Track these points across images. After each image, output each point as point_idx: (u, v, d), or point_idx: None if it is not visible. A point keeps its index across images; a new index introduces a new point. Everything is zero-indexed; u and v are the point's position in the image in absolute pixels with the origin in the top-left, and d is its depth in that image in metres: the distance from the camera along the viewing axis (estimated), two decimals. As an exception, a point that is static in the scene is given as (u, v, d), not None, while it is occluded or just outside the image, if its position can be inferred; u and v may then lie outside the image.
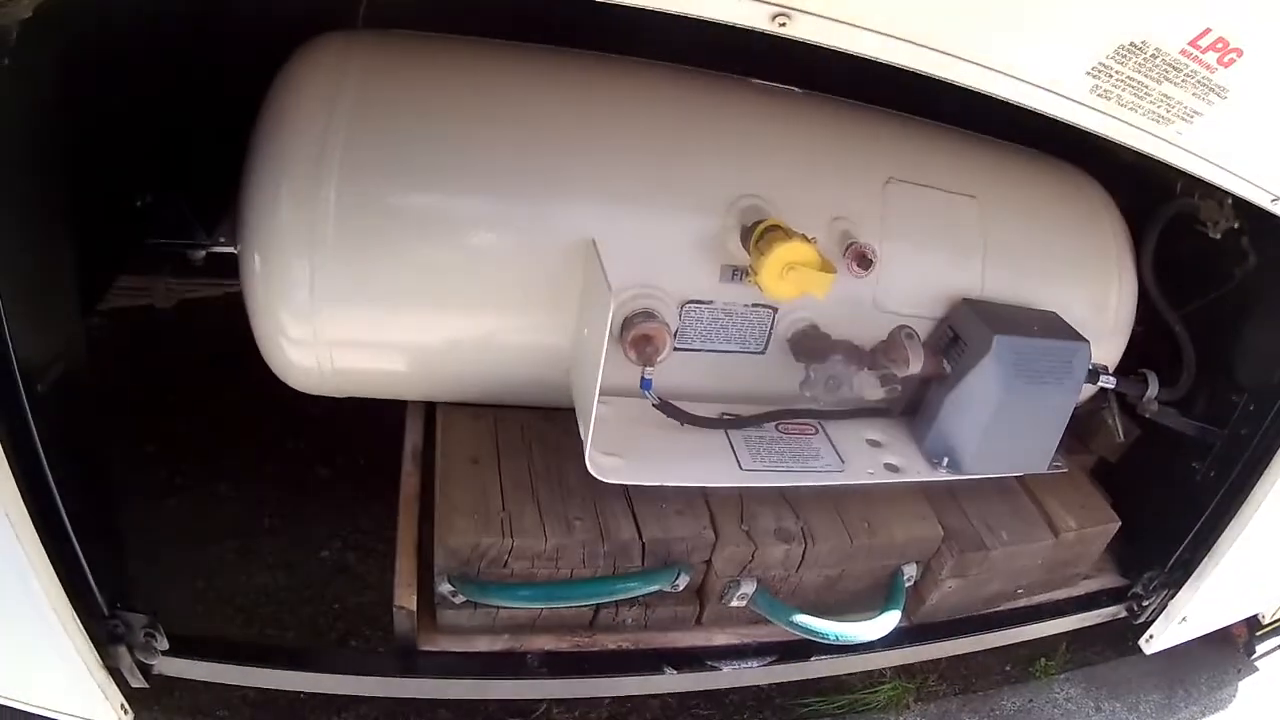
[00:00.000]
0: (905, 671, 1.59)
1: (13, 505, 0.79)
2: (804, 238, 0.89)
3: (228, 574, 1.25)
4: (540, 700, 1.19)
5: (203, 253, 1.03)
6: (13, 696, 1.04)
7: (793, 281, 0.89)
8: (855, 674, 1.55)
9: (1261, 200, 0.96)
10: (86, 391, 0.92)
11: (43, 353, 0.82)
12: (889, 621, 1.09)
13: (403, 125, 0.92)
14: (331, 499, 1.34)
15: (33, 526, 0.82)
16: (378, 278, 0.94)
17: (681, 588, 1.04)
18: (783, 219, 0.94)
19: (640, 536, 0.99)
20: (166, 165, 1.12)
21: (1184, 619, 1.43)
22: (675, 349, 1.00)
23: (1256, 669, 1.90)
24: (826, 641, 1.05)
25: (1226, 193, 0.98)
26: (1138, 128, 0.85)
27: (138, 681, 1.00)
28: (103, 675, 0.96)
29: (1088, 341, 1.11)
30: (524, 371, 1.02)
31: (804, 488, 1.07)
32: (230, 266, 1.00)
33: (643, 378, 0.94)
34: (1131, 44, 0.78)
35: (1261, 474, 1.26)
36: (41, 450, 0.81)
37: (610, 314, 0.81)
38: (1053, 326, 1.12)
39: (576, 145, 0.95)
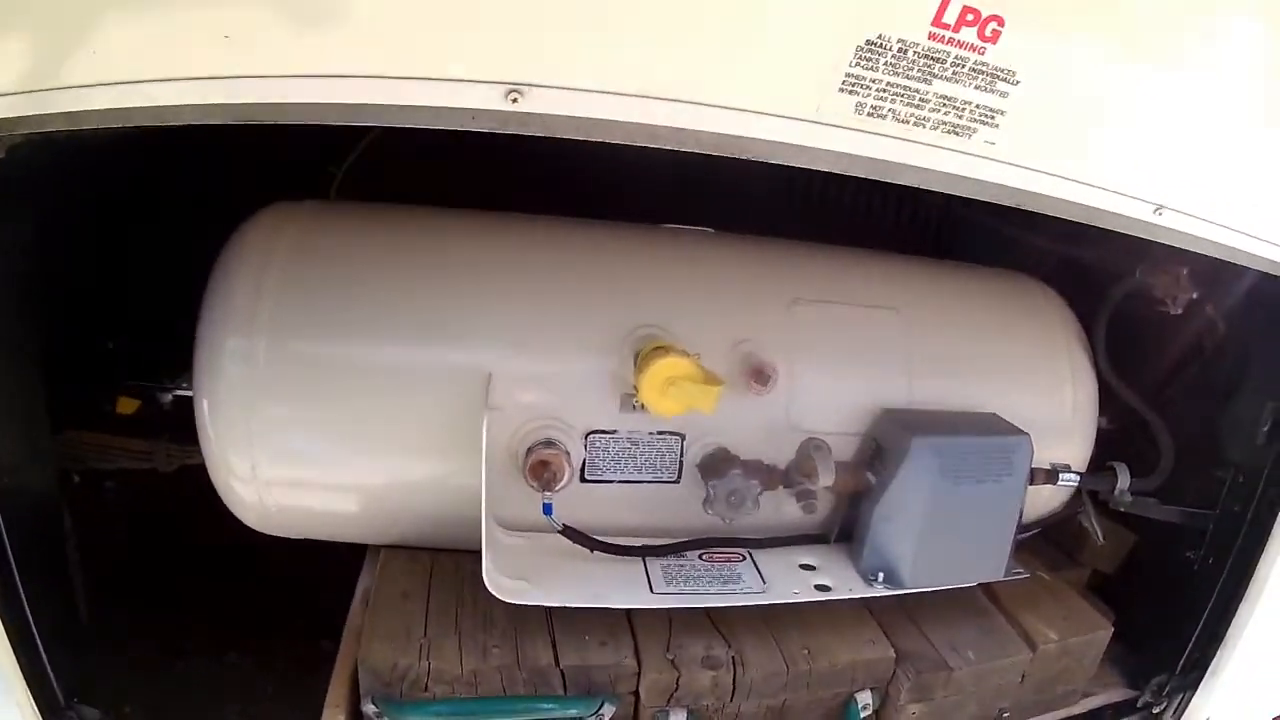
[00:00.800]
0: None
1: None
2: (684, 353, 0.94)
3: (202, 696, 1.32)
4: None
5: (170, 396, 1.16)
6: None
7: (676, 397, 0.93)
8: None
9: (1142, 213, 0.87)
10: (53, 504, 1.04)
11: (10, 464, 0.94)
12: None
13: (321, 288, 1.04)
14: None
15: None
16: (303, 422, 1.05)
17: (608, 717, 1.03)
18: (677, 344, 1.00)
19: (558, 664, 1.01)
20: (136, 315, 1.28)
21: (1206, 720, 1.30)
22: (586, 479, 1.06)
23: None
24: (764, 779, 1.02)
25: (1110, 225, 0.87)
26: (939, 146, 0.76)
27: None
28: None
29: (1027, 435, 1.09)
30: (447, 511, 1.09)
31: (740, 617, 1.07)
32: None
33: (544, 504, 0.98)
34: (868, 42, 0.69)
35: (1263, 550, 1.19)
36: (12, 555, 0.91)
37: (485, 427, 0.88)
38: (987, 426, 1.11)
39: (477, 293, 1.05)
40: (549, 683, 1.02)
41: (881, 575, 1.09)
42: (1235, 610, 1.22)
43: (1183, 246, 0.92)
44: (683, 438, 1.06)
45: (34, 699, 0.98)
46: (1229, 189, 0.89)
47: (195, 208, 1.22)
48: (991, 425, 1.12)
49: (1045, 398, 1.23)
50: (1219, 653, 1.25)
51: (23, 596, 0.96)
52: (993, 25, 0.69)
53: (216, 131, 0.72)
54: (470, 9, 0.67)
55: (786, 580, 1.07)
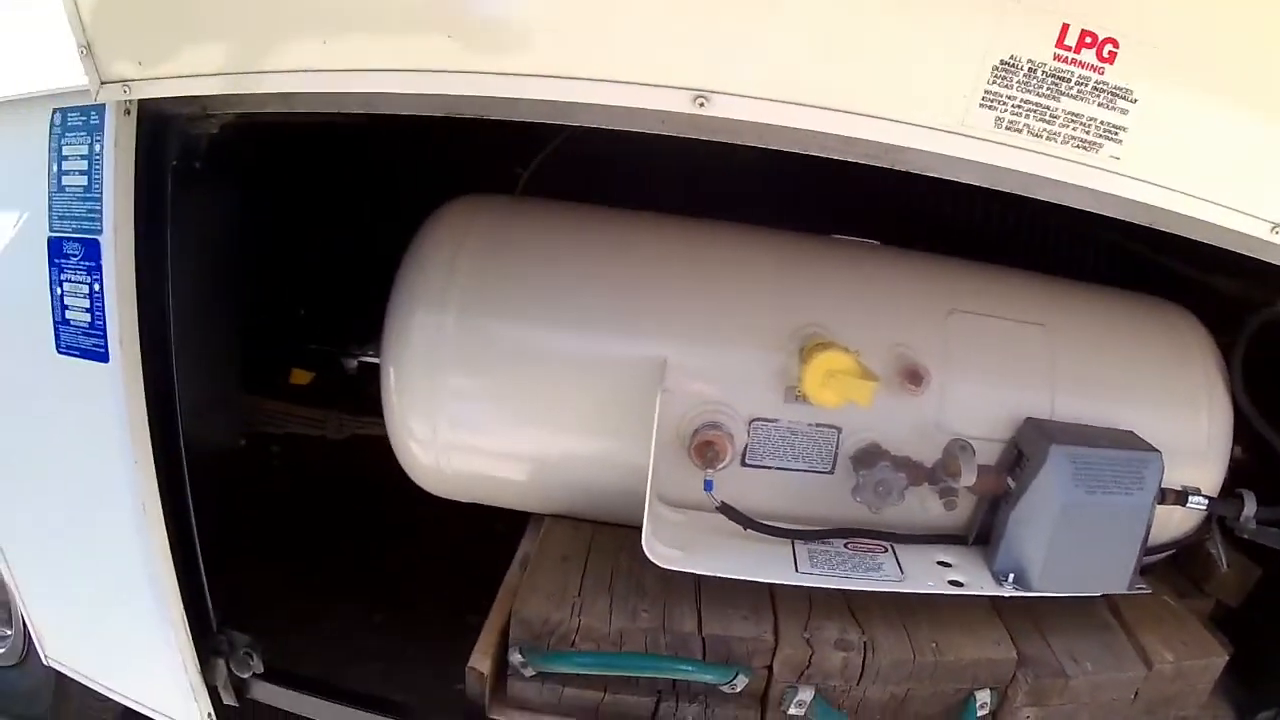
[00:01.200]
0: None
1: (152, 515, 1.06)
2: (845, 349, 1.03)
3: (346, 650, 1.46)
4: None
5: (355, 362, 1.30)
6: (113, 687, 1.29)
7: (835, 389, 1.02)
8: None
9: (1260, 231, 0.91)
10: (233, 453, 1.18)
11: (203, 415, 1.09)
12: None
13: (509, 273, 1.17)
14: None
15: (164, 525, 1.07)
16: (485, 395, 1.17)
17: (740, 689, 1.13)
18: (839, 341, 1.09)
19: (700, 632, 1.11)
20: (328, 286, 1.42)
21: (1308, 759, 1.33)
22: (747, 464, 1.15)
23: None
24: (888, 760, 1.10)
25: (1227, 243, 0.91)
26: (1069, 160, 0.83)
27: (230, 699, 1.21)
28: (198, 683, 1.17)
29: (1159, 452, 1.15)
30: (612, 485, 1.20)
31: (875, 606, 1.16)
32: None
33: (706, 480, 1.08)
34: (1002, 62, 0.78)
35: None
36: (189, 486, 1.07)
37: (658, 404, 1.00)
38: (1123, 441, 1.17)
39: (656, 286, 1.17)
40: (690, 648, 1.11)
41: (1012, 577, 1.16)
42: None
43: None
44: (839, 430, 1.14)
45: (188, 620, 1.14)
46: None
47: (385, 197, 1.36)
48: (1127, 441, 1.18)
49: (1180, 421, 1.28)
50: None
51: (194, 526, 1.11)
52: (1109, 47, 0.77)
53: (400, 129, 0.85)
54: (664, 21, 0.78)
55: (923, 573, 1.14)
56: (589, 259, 1.18)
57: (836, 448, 1.15)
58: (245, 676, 1.21)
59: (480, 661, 1.12)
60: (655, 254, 1.19)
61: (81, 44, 0.90)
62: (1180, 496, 1.25)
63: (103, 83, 0.93)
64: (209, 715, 1.22)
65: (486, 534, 1.37)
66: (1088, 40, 0.77)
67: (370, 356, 1.28)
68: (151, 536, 1.09)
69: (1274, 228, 0.92)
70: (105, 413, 1.06)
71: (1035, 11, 0.76)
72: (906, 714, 1.17)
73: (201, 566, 1.14)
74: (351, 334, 1.30)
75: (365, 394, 1.32)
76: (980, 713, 1.18)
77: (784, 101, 0.81)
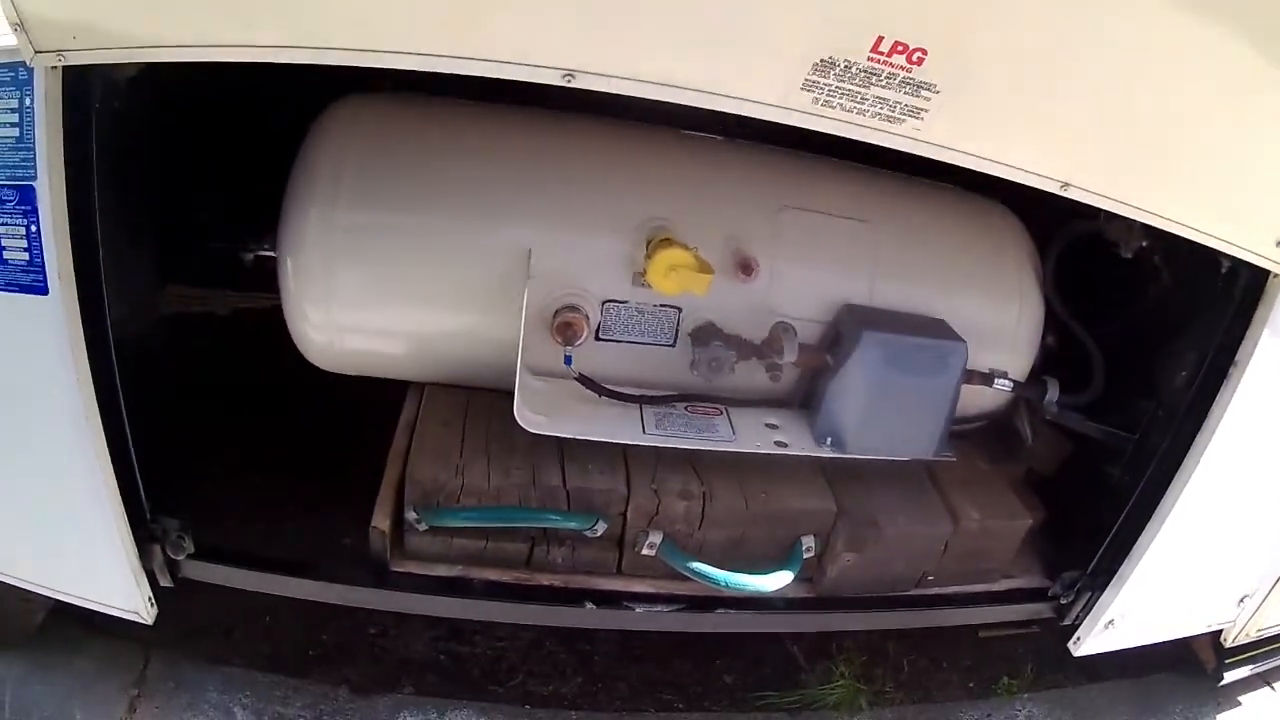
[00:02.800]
0: (863, 676, 1.90)
1: (92, 425, 1.27)
2: (684, 246, 1.30)
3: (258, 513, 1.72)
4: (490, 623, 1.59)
5: (252, 256, 1.54)
6: (52, 586, 1.50)
7: (675, 280, 1.29)
8: (810, 673, 1.87)
9: (1052, 188, 1.21)
10: (156, 345, 1.41)
11: (127, 310, 1.31)
12: (780, 579, 1.43)
13: (391, 169, 1.39)
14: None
15: (104, 437, 1.28)
16: (373, 279, 1.41)
17: (600, 534, 1.42)
18: (681, 237, 1.36)
19: (565, 485, 1.39)
20: (231, 191, 1.65)
21: (1110, 623, 1.67)
22: (600, 339, 1.42)
23: (1239, 703, 2.08)
24: (719, 588, 1.40)
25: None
26: (874, 128, 1.10)
27: (165, 580, 1.45)
28: (138, 569, 1.40)
29: (964, 342, 1.45)
30: (485, 356, 1.45)
31: (714, 461, 1.45)
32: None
33: (565, 356, 1.36)
34: (822, 60, 1.03)
35: (1173, 479, 1.53)
36: (120, 385, 1.28)
37: (525, 293, 1.25)
38: (934, 329, 1.47)
39: (522, 180, 1.41)
40: (556, 500, 1.40)
41: (830, 440, 1.45)
42: (1143, 529, 1.55)
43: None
44: (680, 311, 1.42)
45: (127, 514, 1.36)
46: (1131, 171, 1.23)
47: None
48: (936, 329, 1.47)
49: (994, 310, 1.58)
50: (1125, 563, 1.59)
51: (127, 429, 1.32)
52: (919, 53, 1.03)
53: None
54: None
55: (753, 434, 1.43)
56: (462, 154, 1.41)
57: (678, 325, 1.42)
58: (179, 558, 1.47)
59: (380, 520, 1.39)
60: (521, 149, 1.42)
61: (14, 21, 1.03)
62: (987, 379, 1.56)
63: (36, 52, 1.05)
64: (149, 599, 1.46)
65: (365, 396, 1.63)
66: (899, 48, 1.03)
67: (266, 250, 1.52)
68: (93, 444, 1.28)
69: (1064, 185, 1.22)
70: (46, 338, 1.24)
71: (856, 26, 1.02)
72: (743, 554, 1.48)
73: (135, 464, 1.36)
74: (249, 229, 1.54)
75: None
76: (806, 555, 1.49)
77: (640, 80, 1.05)
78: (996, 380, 1.56)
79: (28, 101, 1.15)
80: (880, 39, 1.03)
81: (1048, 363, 1.68)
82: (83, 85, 1.15)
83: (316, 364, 1.52)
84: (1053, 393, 1.60)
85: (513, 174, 1.42)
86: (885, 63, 1.05)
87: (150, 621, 1.48)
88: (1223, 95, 1.16)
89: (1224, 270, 1.43)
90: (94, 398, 1.28)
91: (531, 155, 1.43)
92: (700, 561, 1.41)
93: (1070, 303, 1.66)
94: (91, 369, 1.27)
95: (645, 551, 1.43)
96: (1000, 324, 1.59)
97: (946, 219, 1.58)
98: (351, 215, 1.40)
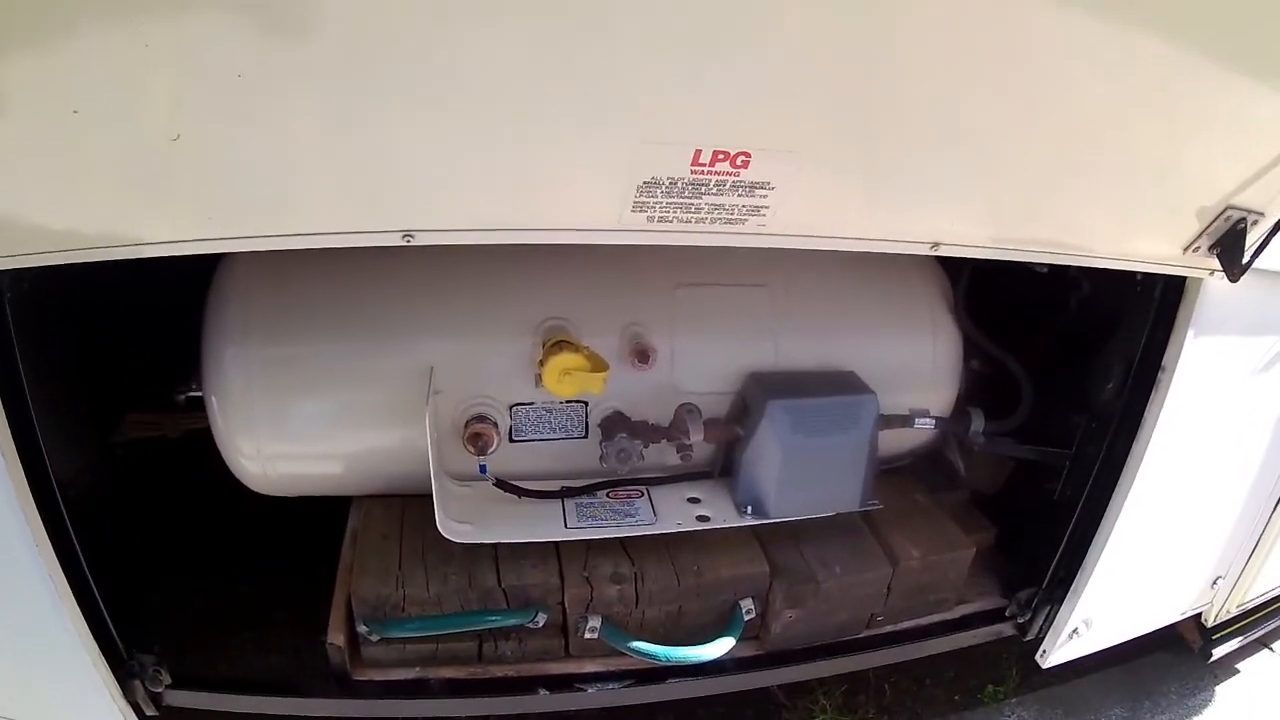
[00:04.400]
0: (845, 706, 2.06)
1: (57, 581, 1.43)
2: (576, 347, 1.45)
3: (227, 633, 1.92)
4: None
5: (183, 396, 1.72)
6: None
7: (571, 383, 1.44)
8: (793, 709, 2.03)
9: (922, 250, 1.31)
10: (106, 488, 1.59)
11: (71, 465, 1.49)
12: (720, 646, 1.57)
13: (295, 298, 1.55)
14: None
15: (72, 595, 1.45)
16: (294, 408, 1.57)
17: (542, 624, 1.58)
18: (578, 333, 1.51)
19: (500, 584, 1.55)
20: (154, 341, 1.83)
21: (1074, 632, 1.81)
22: (514, 440, 1.57)
23: (1237, 670, 2.20)
24: (663, 663, 1.56)
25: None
26: (717, 233, 1.20)
27: (151, 710, 1.63)
28: (124, 706, 1.59)
29: (873, 394, 1.58)
30: (413, 468, 1.60)
31: (644, 540, 1.60)
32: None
33: (480, 465, 1.52)
34: (645, 182, 1.11)
35: (1114, 486, 1.65)
36: (74, 535, 1.44)
37: (428, 418, 1.41)
38: (842, 384, 1.60)
39: (419, 298, 1.56)
40: (494, 599, 1.55)
41: (750, 508, 1.59)
42: (1093, 537, 1.68)
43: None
44: (586, 404, 1.56)
45: (105, 657, 1.52)
46: (1005, 223, 1.34)
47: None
48: (845, 384, 1.59)
49: (907, 348, 1.69)
50: (1079, 574, 1.72)
51: (89, 576, 1.48)
52: (742, 157, 1.11)
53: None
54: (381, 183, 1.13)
55: (675, 512, 1.58)
56: (360, 279, 1.56)
57: (586, 418, 1.57)
58: (159, 690, 1.67)
59: (335, 636, 1.56)
60: (415, 267, 1.57)
61: None
62: (906, 420, 1.69)
63: None
64: None
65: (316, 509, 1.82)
66: (721, 156, 1.10)
67: (194, 390, 1.70)
68: (61, 598, 1.44)
69: (934, 245, 1.32)
70: None
71: (669, 145, 1.09)
72: (684, 625, 1.63)
73: (104, 609, 1.52)
74: (178, 372, 1.72)
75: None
76: (747, 617, 1.64)
77: (477, 229, 1.17)
78: (917, 420, 1.68)
79: None
80: (698, 152, 1.10)
81: (977, 387, 1.81)
82: None
83: (255, 490, 1.70)
84: (977, 423, 1.73)
85: (410, 292, 1.56)
86: (710, 172, 1.13)
87: None
88: (1092, 128, 1.20)
89: (1139, 277, 1.54)
90: (54, 556, 1.43)
91: (425, 272, 1.57)
92: (641, 639, 1.57)
93: (989, 325, 1.78)
94: (47, 530, 1.42)
95: (588, 635, 1.58)
96: (916, 361, 1.71)
97: (848, 265, 1.70)
98: (263, 350, 1.55)
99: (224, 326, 1.57)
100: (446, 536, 1.47)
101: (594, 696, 1.64)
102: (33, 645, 1.58)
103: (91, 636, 1.51)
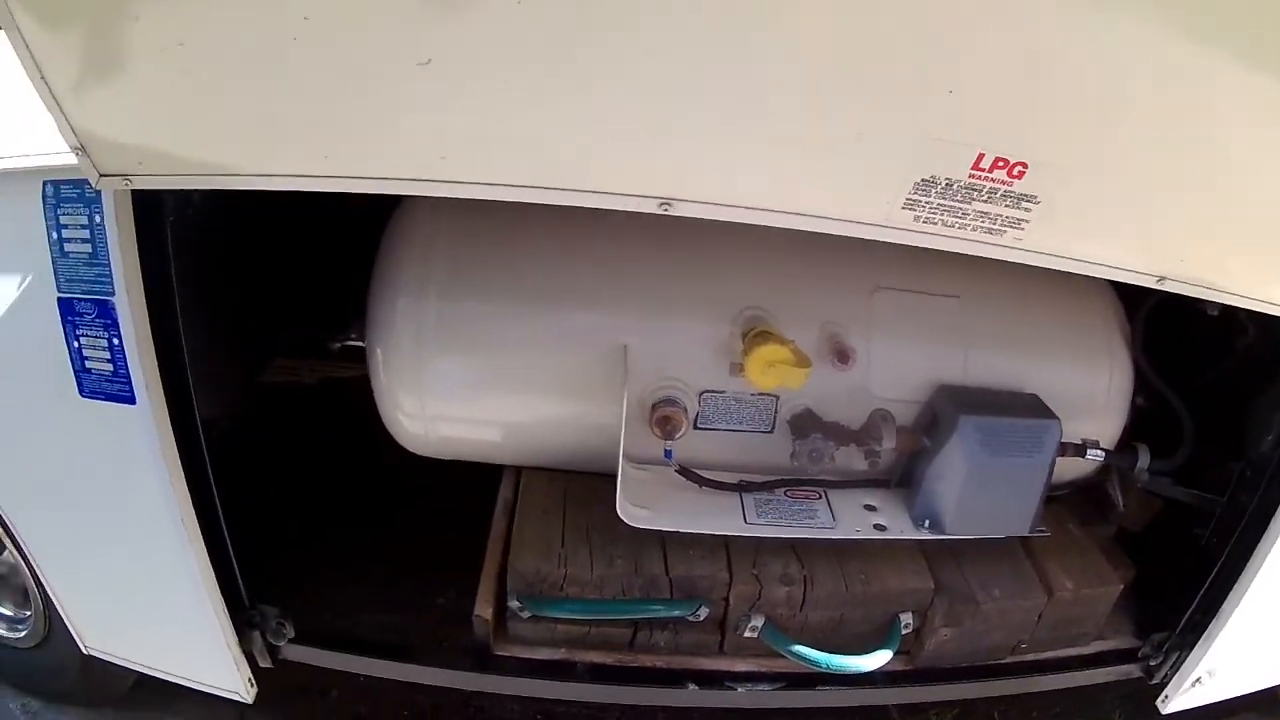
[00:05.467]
0: None
1: (188, 524, 1.47)
2: (781, 340, 1.49)
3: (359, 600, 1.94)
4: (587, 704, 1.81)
5: (338, 344, 1.74)
6: (159, 668, 1.75)
7: (773, 375, 1.48)
8: None
9: (1148, 281, 1.37)
10: (248, 434, 1.61)
11: (217, 404, 1.52)
12: (879, 658, 1.62)
13: (480, 256, 1.58)
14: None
15: (201, 536, 1.49)
16: (466, 369, 1.60)
17: (703, 617, 1.61)
18: (777, 325, 1.55)
19: (668, 573, 1.59)
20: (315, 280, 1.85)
21: (1198, 681, 1.87)
22: (698, 428, 1.61)
23: None
24: (821, 669, 1.60)
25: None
26: (974, 240, 1.25)
27: (265, 662, 1.67)
28: (239, 655, 1.63)
29: (1057, 420, 1.63)
30: (583, 444, 1.64)
31: (814, 545, 1.65)
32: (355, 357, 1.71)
33: (665, 449, 1.56)
34: (923, 180, 1.17)
35: (1260, 538, 1.70)
36: (211, 477, 1.48)
37: (625, 397, 1.44)
38: (1028, 407, 1.66)
39: (616, 271, 1.60)
40: (659, 588, 1.58)
41: (928, 522, 1.64)
42: (1231, 588, 1.73)
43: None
44: (777, 399, 1.60)
45: (226, 603, 1.57)
46: (1223, 263, 1.39)
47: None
48: (1031, 406, 1.66)
49: (1084, 379, 1.75)
50: (1213, 623, 1.77)
51: (222, 523, 1.53)
52: (1019, 167, 1.16)
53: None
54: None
55: (852, 518, 1.62)
56: (553, 243, 1.59)
57: (775, 412, 1.61)
58: (280, 644, 1.68)
59: (483, 609, 1.59)
60: (606, 242, 1.60)
61: (75, 146, 1.11)
62: (1079, 449, 1.74)
63: (101, 175, 1.15)
64: (249, 679, 1.68)
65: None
66: (1000, 164, 1.16)
67: (354, 340, 1.72)
68: (190, 541, 1.49)
69: (1160, 280, 1.38)
70: (137, 444, 1.42)
71: (957, 145, 1.15)
72: (844, 633, 1.67)
73: (232, 555, 1.57)
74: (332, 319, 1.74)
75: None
76: (905, 631, 1.69)
77: (737, 206, 1.21)
78: (1089, 451, 1.74)
79: (97, 219, 1.29)
80: (981, 155, 1.16)
81: (1137, 423, 1.88)
82: (154, 198, 1.30)
83: (409, 449, 1.72)
84: (1143, 460, 1.78)
85: (601, 262, 1.60)
86: (986, 178, 1.19)
87: (250, 700, 1.72)
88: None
89: None
90: (188, 498, 1.48)
91: (618, 242, 1.61)
92: (801, 643, 1.62)
93: (1157, 363, 1.85)
94: (185, 471, 1.46)
95: (748, 634, 1.62)
96: (1090, 391, 1.77)
97: (1036, 288, 1.76)
98: (440, 304, 1.58)
99: (398, 276, 1.59)
100: (625, 520, 1.50)
101: (743, 697, 1.68)
102: (155, 584, 1.62)
103: (214, 578, 1.56)
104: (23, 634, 2.08)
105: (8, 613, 2.13)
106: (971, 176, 1.19)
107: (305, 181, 1.18)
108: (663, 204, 1.21)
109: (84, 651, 1.82)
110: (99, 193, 1.27)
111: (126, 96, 1.08)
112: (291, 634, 1.69)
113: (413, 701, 2.04)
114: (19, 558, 1.77)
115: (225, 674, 1.69)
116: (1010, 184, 1.21)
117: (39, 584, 1.79)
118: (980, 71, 1.08)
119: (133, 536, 1.58)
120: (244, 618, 1.65)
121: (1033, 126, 1.16)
